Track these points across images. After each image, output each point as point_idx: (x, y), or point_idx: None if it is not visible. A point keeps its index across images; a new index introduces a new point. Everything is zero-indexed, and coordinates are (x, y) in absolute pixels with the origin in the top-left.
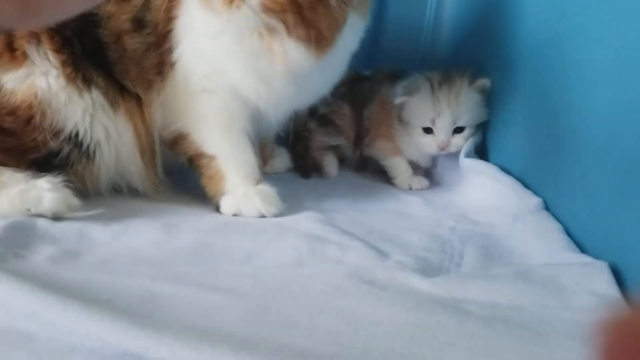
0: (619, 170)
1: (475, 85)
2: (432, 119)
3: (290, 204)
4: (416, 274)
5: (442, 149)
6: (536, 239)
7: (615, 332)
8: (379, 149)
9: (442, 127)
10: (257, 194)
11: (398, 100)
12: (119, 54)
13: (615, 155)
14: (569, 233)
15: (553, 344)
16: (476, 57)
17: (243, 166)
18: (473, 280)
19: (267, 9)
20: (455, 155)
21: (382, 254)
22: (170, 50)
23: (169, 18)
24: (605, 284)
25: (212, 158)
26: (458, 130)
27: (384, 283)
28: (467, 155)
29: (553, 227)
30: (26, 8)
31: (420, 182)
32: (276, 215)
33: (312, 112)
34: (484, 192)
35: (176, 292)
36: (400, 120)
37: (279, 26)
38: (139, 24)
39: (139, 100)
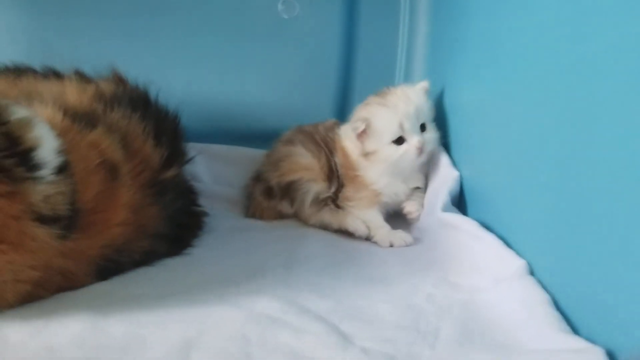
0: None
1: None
2: (399, 124)
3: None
4: None
5: (420, 149)
6: (521, 313)
7: None
8: (347, 199)
9: (412, 127)
10: None
11: (360, 128)
12: None
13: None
14: (556, 303)
15: None
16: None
17: None
18: None
19: None
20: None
21: (345, 339)
22: None
23: None
24: None
25: None
26: (422, 128)
27: None
28: (445, 210)
29: (539, 298)
30: None
31: (403, 238)
32: None
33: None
34: (464, 251)
35: None
36: (367, 153)
37: None
38: None
39: None
